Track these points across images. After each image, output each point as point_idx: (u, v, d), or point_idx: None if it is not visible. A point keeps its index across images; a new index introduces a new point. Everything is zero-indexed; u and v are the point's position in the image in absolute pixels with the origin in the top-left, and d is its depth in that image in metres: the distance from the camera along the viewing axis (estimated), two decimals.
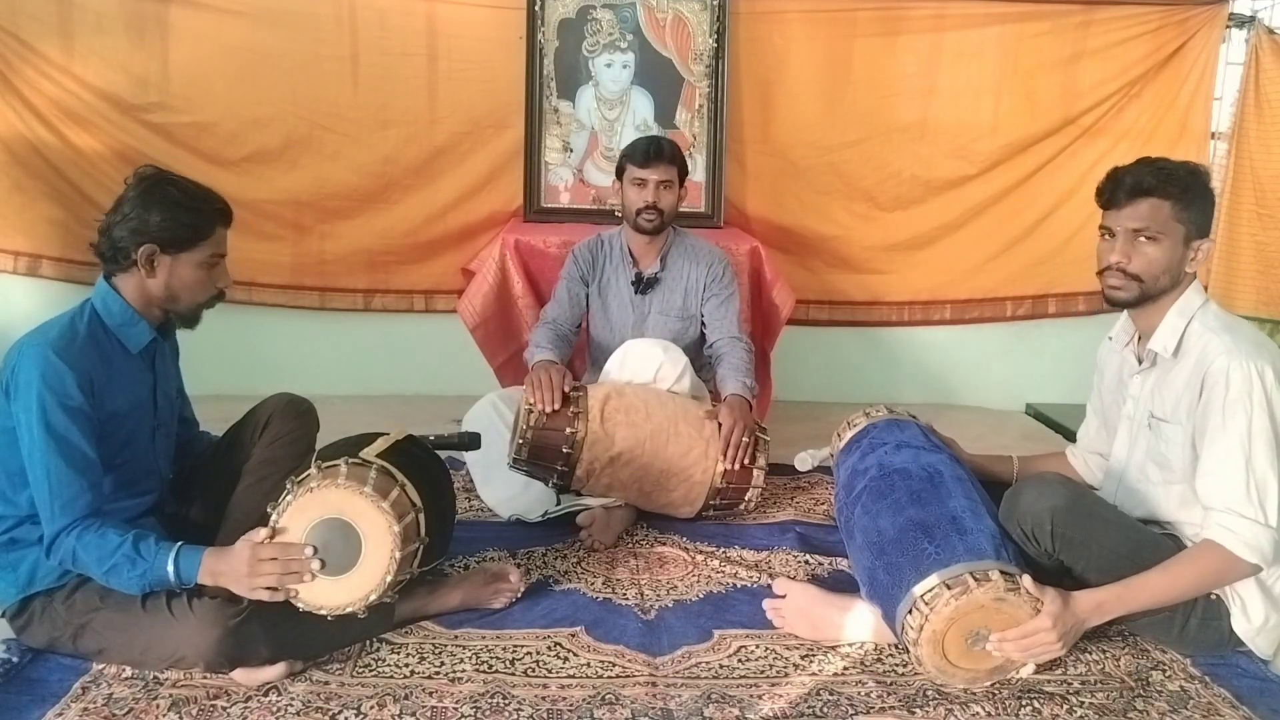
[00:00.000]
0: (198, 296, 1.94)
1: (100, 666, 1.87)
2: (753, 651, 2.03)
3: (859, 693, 1.89)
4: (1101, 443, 2.30)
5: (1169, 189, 1.95)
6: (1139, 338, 2.13)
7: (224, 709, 1.77)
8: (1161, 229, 1.96)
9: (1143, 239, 1.97)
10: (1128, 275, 1.98)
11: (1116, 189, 1.99)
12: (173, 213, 1.87)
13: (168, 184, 1.90)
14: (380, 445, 2.01)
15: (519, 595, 2.18)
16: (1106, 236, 2.03)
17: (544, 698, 1.84)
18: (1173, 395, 2.01)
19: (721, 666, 1.97)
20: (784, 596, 2.14)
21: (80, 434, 1.79)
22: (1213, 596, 1.96)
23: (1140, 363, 2.11)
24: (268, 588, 1.76)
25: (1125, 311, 2.13)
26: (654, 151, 2.80)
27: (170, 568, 1.78)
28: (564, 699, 1.84)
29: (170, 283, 1.90)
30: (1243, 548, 1.83)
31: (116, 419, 1.90)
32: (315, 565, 1.77)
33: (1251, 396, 1.87)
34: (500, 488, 2.67)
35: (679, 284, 2.92)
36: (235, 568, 1.77)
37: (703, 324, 2.92)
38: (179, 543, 1.81)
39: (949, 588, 1.81)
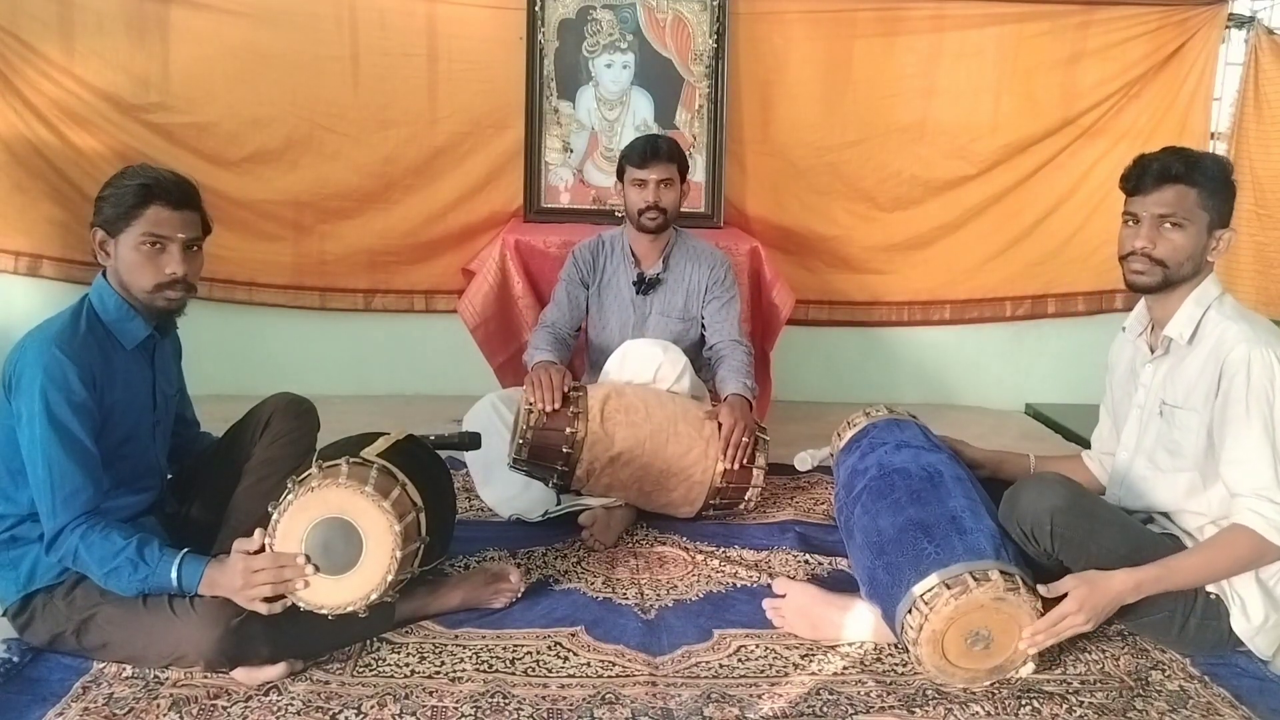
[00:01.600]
0: (141, 281, 1.88)
1: (101, 666, 1.87)
2: (753, 651, 2.04)
3: (859, 692, 1.89)
4: (1115, 443, 2.30)
5: (1196, 176, 1.96)
6: (1152, 327, 2.13)
7: (224, 709, 1.77)
8: (1187, 215, 1.96)
9: (1168, 225, 1.97)
10: (1152, 260, 1.99)
11: (1144, 175, 2.00)
12: (106, 192, 1.88)
13: (122, 170, 1.92)
14: (381, 445, 2.01)
15: (519, 595, 2.18)
16: (1130, 222, 2.03)
17: (544, 697, 1.84)
18: (1185, 382, 2.01)
19: (721, 666, 1.97)
20: (784, 596, 2.15)
21: (82, 428, 1.80)
22: (1212, 596, 1.96)
23: (1153, 351, 2.11)
24: (265, 599, 1.76)
25: (1141, 301, 2.14)
26: (651, 151, 2.79)
27: (174, 574, 1.78)
28: (564, 698, 1.84)
29: (119, 267, 1.89)
30: (1274, 532, 1.85)
31: (116, 414, 1.90)
32: (309, 570, 1.77)
33: (1274, 383, 1.88)
34: (500, 488, 2.67)
35: (681, 285, 2.92)
36: (230, 580, 1.78)
37: (703, 326, 2.92)
38: (183, 551, 1.82)
39: (948, 587, 1.81)
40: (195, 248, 1.94)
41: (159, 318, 1.97)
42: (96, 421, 1.84)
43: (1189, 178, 1.96)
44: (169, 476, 2.19)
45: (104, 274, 1.94)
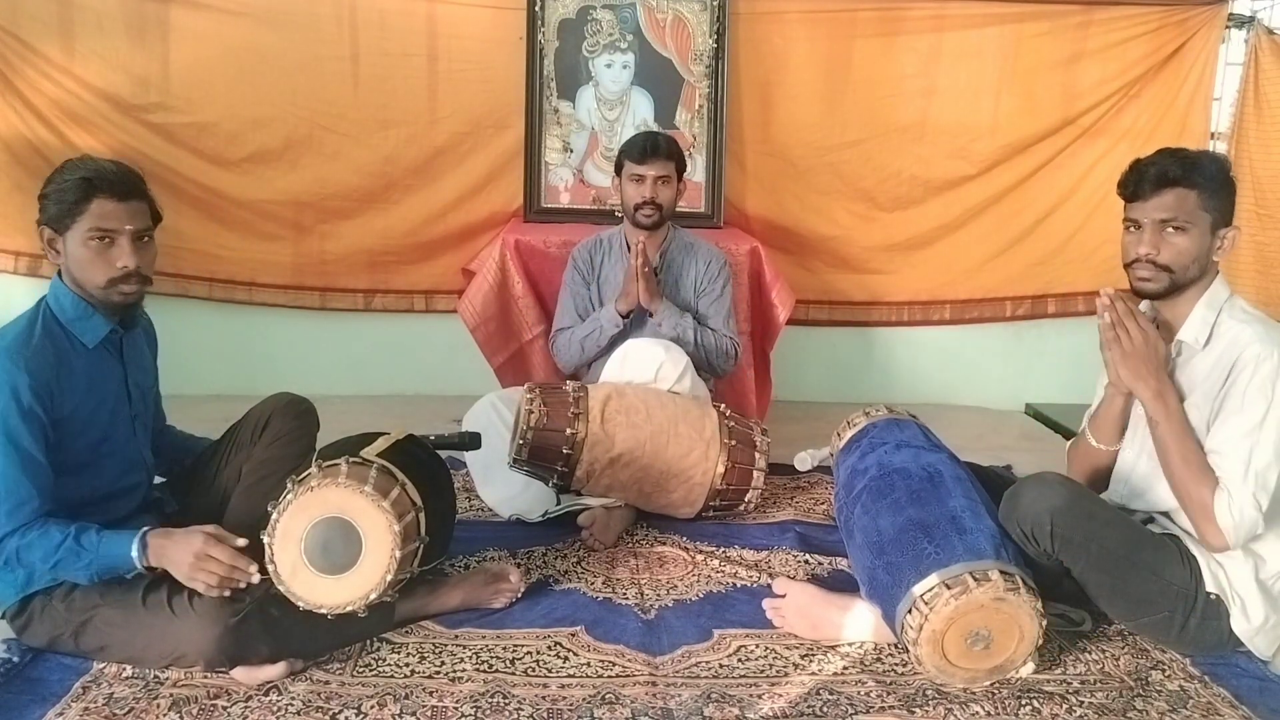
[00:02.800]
0: (93, 277, 1.85)
1: (101, 666, 1.87)
2: (753, 651, 2.03)
3: (859, 692, 1.89)
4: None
5: (1195, 178, 1.94)
6: (1157, 327, 2.12)
7: (224, 709, 1.77)
8: (1189, 219, 1.95)
9: (1170, 229, 1.96)
10: (1158, 267, 1.97)
11: (1141, 180, 1.98)
12: (48, 189, 1.86)
13: (62, 164, 1.89)
14: (381, 445, 2.01)
15: (519, 595, 2.18)
16: (1132, 229, 2.01)
17: (544, 697, 1.84)
18: (1189, 382, 2.00)
19: (721, 666, 1.97)
20: (784, 596, 2.15)
21: (32, 438, 1.77)
22: (1212, 596, 1.96)
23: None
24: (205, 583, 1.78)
25: (1145, 303, 2.13)
26: (650, 147, 2.81)
27: (133, 551, 1.78)
28: (564, 698, 1.84)
29: (70, 265, 1.87)
30: (1225, 513, 1.85)
31: (84, 416, 1.88)
32: (255, 579, 1.78)
33: (1276, 386, 1.87)
34: (500, 487, 2.67)
35: (678, 280, 2.93)
36: (181, 557, 1.78)
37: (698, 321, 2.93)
38: (143, 530, 1.81)
39: (949, 587, 1.81)
40: (146, 238, 1.90)
41: (119, 312, 1.94)
42: (47, 432, 1.80)
43: (1188, 180, 1.94)
44: (169, 477, 2.19)
45: (59, 274, 1.91)
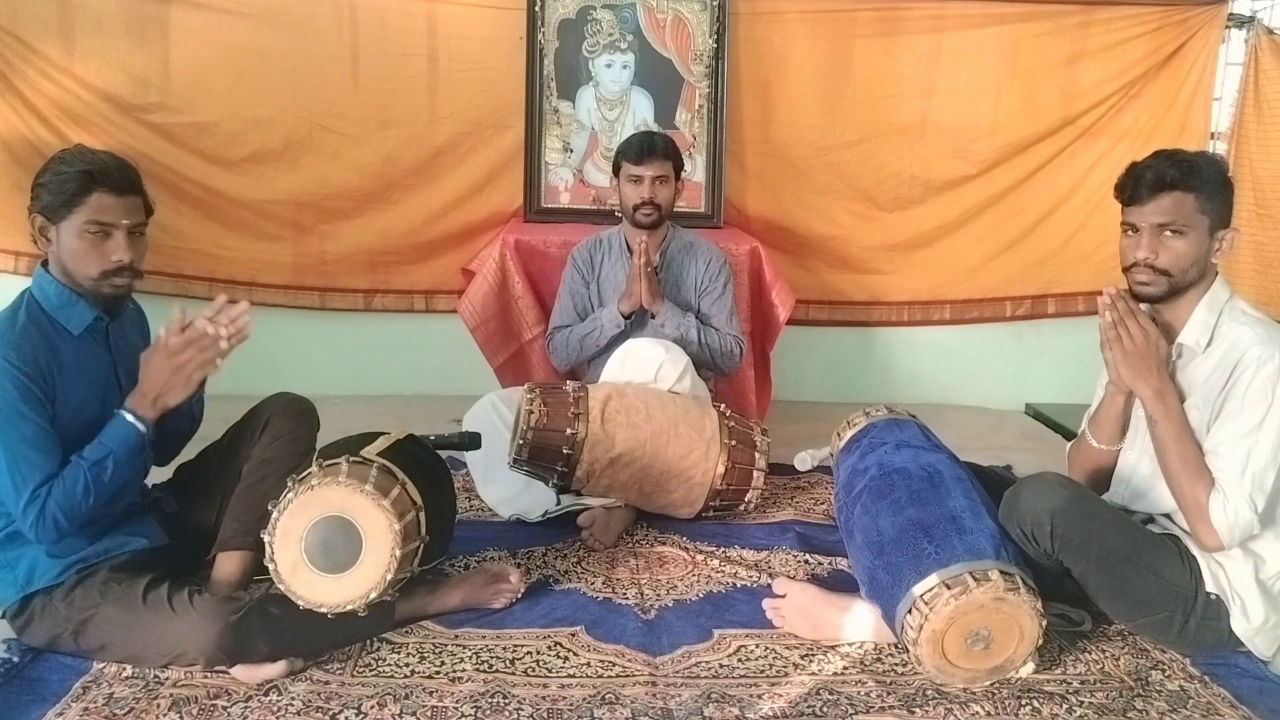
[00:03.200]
0: (86, 269, 1.85)
1: (101, 666, 1.87)
2: (753, 651, 2.03)
3: (859, 692, 1.89)
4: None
5: (1192, 181, 1.93)
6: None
7: (224, 708, 1.77)
8: (1187, 222, 1.94)
9: (1168, 233, 1.95)
10: (1156, 271, 1.96)
11: (1138, 184, 1.97)
12: (45, 178, 1.86)
13: (58, 154, 1.90)
14: (381, 444, 2.01)
15: (519, 595, 2.18)
16: (1130, 232, 2.01)
17: (544, 697, 1.84)
18: (1189, 384, 2.00)
19: (721, 666, 1.97)
20: (784, 596, 2.15)
21: (31, 409, 1.79)
22: (1212, 596, 1.96)
23: None
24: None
25: (1145, 306, 2.13)
26: (648, 148, 2.82)
27: (131, 420, 1.84)
28: (564, 699, 1.84)
29: (61, 254, 1.87)
30: (1220, 513, 1.86)
31: (73, 403, 1.88)
32: (224, 337, 1.86)
33: (1276, 388, 1.88)
34: (500, 487, 2.67)
35: (679, 280, 2.93)
36: (162, 376, 1.85)
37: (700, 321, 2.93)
38: (116, 413, 1.87)
39: (949, 587, 1.81)
40: (139, 232, 1.91)
41: (106, 303, 1.94)
42: (45, 406, 1.82)
43: (1185, 183, 1.93)
44: (171, 477, 2.18)
45: (44, 265, 1.92)
